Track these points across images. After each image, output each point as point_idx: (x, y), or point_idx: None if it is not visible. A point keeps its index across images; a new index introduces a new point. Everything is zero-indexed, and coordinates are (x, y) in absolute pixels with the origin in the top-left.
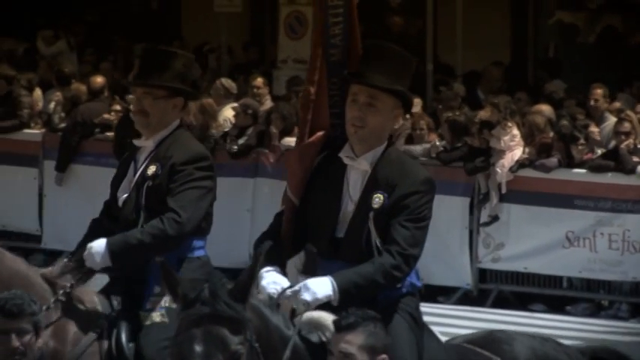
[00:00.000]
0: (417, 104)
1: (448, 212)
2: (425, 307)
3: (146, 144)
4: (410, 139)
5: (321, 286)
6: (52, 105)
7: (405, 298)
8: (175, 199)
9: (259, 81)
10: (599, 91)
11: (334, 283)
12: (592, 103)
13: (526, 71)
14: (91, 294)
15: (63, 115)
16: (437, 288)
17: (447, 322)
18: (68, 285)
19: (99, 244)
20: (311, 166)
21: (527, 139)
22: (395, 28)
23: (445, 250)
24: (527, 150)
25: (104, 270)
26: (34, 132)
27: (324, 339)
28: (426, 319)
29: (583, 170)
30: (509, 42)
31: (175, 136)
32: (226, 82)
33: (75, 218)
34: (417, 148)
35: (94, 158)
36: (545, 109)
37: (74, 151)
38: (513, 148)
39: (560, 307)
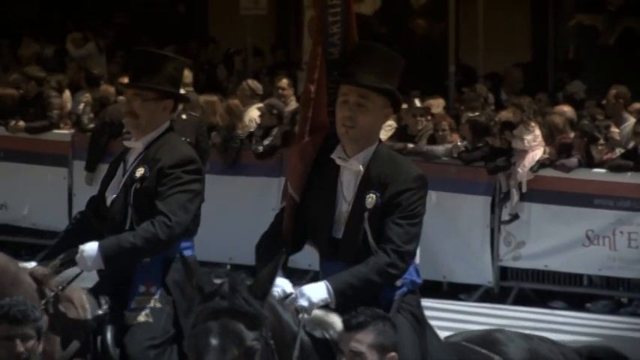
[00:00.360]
0: (440, 105)
1: (470, 211)
2: (447, 305)
3: (135, 145)
4: (432, 140)
5: (317, 291)
6: (81, 106)
7: (406, 296)
8: (165, 203)
9: (284, 82)
10: (612, 92)
11: (329, 286)
12: (603, 102)
13: (546, 73)
14: (80, 292)
15: (92, 115)
16: (459, 285)
17: (469, 319)
18: (60, 288)
19: (91, 248)
20: (311, 162)
21: (548, 139)
22: (418, 30)
23: (467, 248)
24: (547, 150)
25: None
26: (64, 132)
27: (327, 336)
28: (447, 315)
29: (603, 170)
30: (529, 44)
31: (165, 139)
32: (252, 83)
33: None
34: (439, 148)
35: None
36: (567, 109)
37: (103, 151)
38: (534, 148)
39: (580, 304)
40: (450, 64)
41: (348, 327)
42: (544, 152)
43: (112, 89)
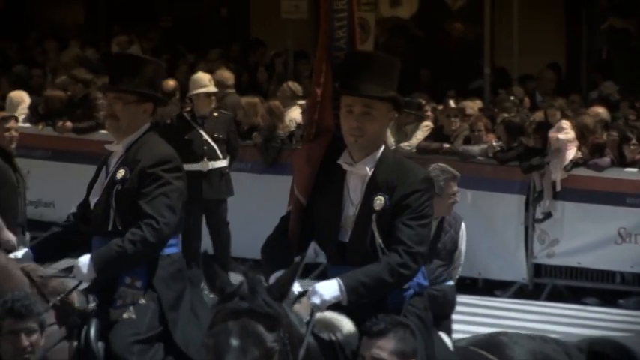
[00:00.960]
0: (475, 106)
1: (505, 209)
2: (482, 301)
3: (116, 148)
4: (468, 140)
5: (329, 288)
6: None
7: (413, 299)
8: (150, 205)
9: None
10: None
11: (341, 283)
12: (636, 104)
13: (579, 74)
14: (73, 293)
15: None
16: (494, 282)
17: (504, 314)
18: (58, 299)
19: (84, 259)
20: (318, 165)
21: (579, 139)
22: (454, 33)
23: (502, 245)
24: (580, 150)
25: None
26: None
27: (334, 338)
28: (483, 311)
29: (635, 169)
30: (563, 47)
31: (144, 140)
32: (292, 84)
33: None
34: (475, 149)
35: None
36: (601, 111)
37: None
38: (569, 147)
39: (612, 300)
40: (485, 66)
41: (369, 334)
42: (577, 152)
43: None
